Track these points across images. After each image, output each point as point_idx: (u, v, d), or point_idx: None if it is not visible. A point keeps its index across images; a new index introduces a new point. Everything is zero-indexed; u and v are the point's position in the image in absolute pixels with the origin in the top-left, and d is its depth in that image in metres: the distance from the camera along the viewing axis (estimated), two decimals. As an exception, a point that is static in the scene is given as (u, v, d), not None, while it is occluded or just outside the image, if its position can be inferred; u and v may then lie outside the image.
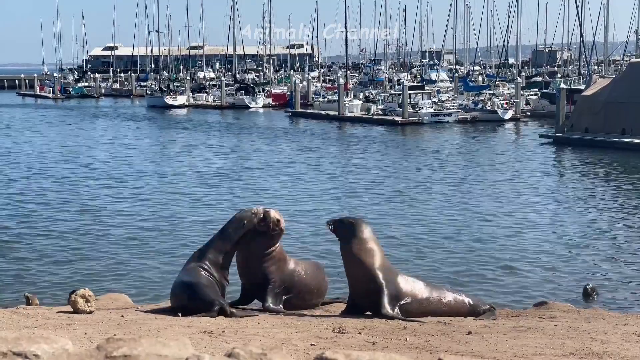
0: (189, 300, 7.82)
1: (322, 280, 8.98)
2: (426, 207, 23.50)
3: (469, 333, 6.74)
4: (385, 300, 7.72)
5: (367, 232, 7.93)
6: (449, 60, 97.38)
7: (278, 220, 8.40)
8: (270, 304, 8.33)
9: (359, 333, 6.65)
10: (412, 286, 7.98)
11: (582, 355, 5.75)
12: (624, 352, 5.92)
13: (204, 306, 7.70)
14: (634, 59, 54.10)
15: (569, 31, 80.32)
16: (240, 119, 64.84)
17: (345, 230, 7.90)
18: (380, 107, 60.55)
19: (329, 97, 68.02)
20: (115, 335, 5.47)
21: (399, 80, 71.93)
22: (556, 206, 24.20)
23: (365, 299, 7.89)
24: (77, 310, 7.46)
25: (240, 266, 8.59)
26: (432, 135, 48.64)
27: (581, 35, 63.93)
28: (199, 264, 8.19)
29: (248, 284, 8.56)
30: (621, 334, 6.81)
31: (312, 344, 5.97)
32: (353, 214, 16.71)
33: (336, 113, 60.77)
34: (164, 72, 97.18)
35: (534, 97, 63.68)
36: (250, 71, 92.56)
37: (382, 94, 65.40)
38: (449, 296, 8.22)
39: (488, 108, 57.73)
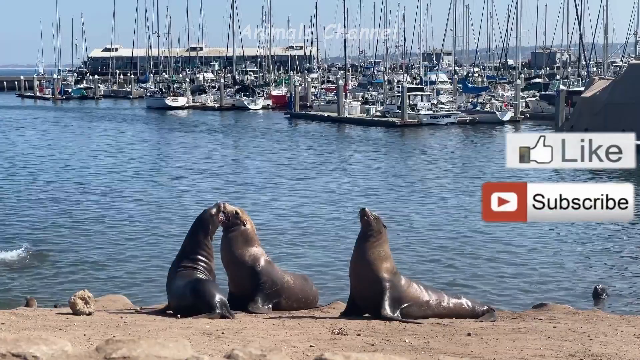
0: (195, 298, 7.66)
1: (310, 290, 8.90)
2: (424, 209, 23.51)
3: (469, 335, 6.74)
4: (387, 302, 7.73)
5: (385, 236, 7.96)
6: (449, 61, 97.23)
7: (236, 212, 8.29)
8: (259, 304, 8.22)
9: (358, 334, 6.65)
10: (413, 290, 8.00)
11: (582, 357, 5.75)
12: (623, 353, 5.92)
13: (207, 307, 7.62)
14: (634, 61, 54.11)
15: (568, 33, 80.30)
16: (239, 120, 64.82)
17: (372, 227, 7.89)
18: (379, 108, 60.47)
19: (329, 98, 67.95)
20: (114, 336, 5.47)
21: (398, 81, 71.79)
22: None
23: (366, 299, 7.89)
24: (76, 312, 7.45)
25: (229, 276, 8.47)
26: (431, 137, 48.62)
27: (580, 37, 64.03)
28: (194, 266, 8.09)
29: (238, 292, 8.35)
30: (620, 335, 6.81)
31: (311, 346, 5.96)
32: (352, 215, 16.70)
33: (335, 114, 60.70)
34: (164, 73, 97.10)
35: (533, 99, 63.67)
36: (249, 73, 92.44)
37: (382, 96, 65.36)
38: (448, 299, 8.23)
39: (487, 110, 57.69)
